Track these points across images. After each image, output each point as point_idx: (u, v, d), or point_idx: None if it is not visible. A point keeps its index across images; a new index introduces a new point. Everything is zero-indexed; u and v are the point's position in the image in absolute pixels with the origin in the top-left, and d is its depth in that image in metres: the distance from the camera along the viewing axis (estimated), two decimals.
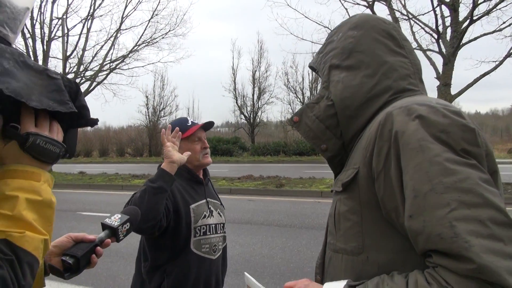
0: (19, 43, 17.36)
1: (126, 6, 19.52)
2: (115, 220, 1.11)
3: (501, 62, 10.71)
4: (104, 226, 1.10)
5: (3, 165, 0.80)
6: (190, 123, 2.07)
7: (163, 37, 20.89)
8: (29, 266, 0.75)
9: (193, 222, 1.95)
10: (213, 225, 2.04)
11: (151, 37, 20.64)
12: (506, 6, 10.33)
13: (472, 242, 0.69)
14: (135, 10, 20.54)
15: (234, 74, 32.46)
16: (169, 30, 20.88)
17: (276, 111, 58.61)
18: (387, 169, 0.85)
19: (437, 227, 0.73)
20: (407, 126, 0.83)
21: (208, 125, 2.16)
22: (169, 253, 1.91)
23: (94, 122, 0.94)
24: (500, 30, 10.85)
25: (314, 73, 1.43)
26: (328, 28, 12.27)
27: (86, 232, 1.09)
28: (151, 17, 20.15)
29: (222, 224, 2.11)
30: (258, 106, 31.79)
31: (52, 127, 0.86)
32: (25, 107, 0.81)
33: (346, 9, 11.58)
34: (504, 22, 10.69)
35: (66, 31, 18.60)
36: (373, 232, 0.91)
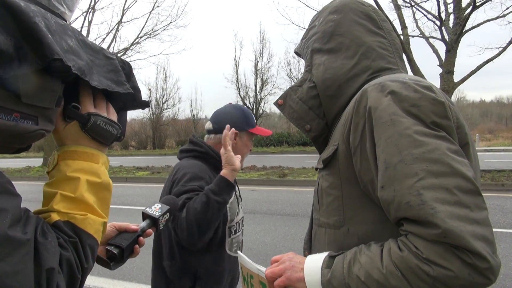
0: None
1: None
2: (155, 210, 1.11)
3: (504, 49, 10.61)
4: (145, 216, 1.09)
5: (63, 146, 0.79)
6: (255, 121, 1.88)
7: (164, 29, 20.85)
8: (91, 249, 0.74)
9: (228, 221, 1.75)
10: (240, 221, 1.86)
11: (152, 29, 20.62)
12: None
13: (438, 208, 0.72)
14: (136, 1, 20.55)
15: (236, 65, 32.45)
16: (171, 22, 20.90)
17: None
18: (363, 144, 0.89)
19: (406, 196, 0.76)
20: (380, 102, 0.86)
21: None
22: (202, 256, 1.68)
23: (146, 104, 0.91)
24: (504, 16, 10.76)
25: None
26: None
27: None
28: (152, 9, 20.10)
29: (243, 218, 1.94)
30: (261, 97, 31.78)
31: (108, 108, 0.85)
32: (84, 87, 0.79)
33: None
34: (507, 8, 10.62)
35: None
36: (353, 205, 0.95)
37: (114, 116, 0.86)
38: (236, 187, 1.92)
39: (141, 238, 1.03)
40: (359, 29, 1.07)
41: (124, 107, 0.91)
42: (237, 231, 1.82)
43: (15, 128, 0.65)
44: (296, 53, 1.26)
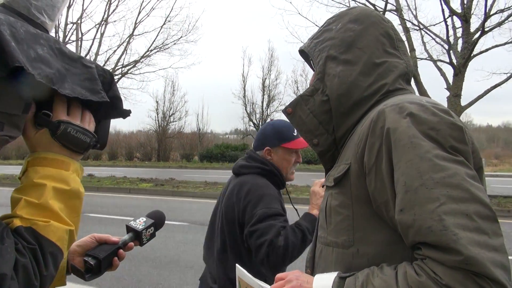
0: None
1: (139, 12, 19.72)
2: (139, 223, 1.09)
3: None
4: (128, 229, 1.08)
5: (33, 153, 0.80)
6: (296, 133, 1.98)
7: (174, 43, 21.05)
8: (53, 257, 0.73)
9: None
10: None
11: (163, 43, 20.80)
12: None
13: (460, 234, 0.71)
14: (148, 16, 20.78)
15: (244, 81, 32.54)
16: (181, 37, 21.02)
17: (284, 119, 58.01)
18: (378, 165, 0.87)
19: (427, 221, 0.75)
20: (399, 123, 0.85)
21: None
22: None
23: (127, 113, 0.92)
24: None
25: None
26: None
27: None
28: (164, 23, 20.31)
29: None
30: (267, 113, 31.80)
31: (84, 117, 0.85)
32: (58, 95, 0.80)
33: None
34: None
35: (80, 36, 18.86)
36: (363, 226, 0.92)
37: (90, 125, 0.86)
38: None
39: (121, 251, 1.02)
40: (378, 47, 1.04)
41: (106, 115, 0.92)
42: None
43: None
44: (300, 52, 1.21)
